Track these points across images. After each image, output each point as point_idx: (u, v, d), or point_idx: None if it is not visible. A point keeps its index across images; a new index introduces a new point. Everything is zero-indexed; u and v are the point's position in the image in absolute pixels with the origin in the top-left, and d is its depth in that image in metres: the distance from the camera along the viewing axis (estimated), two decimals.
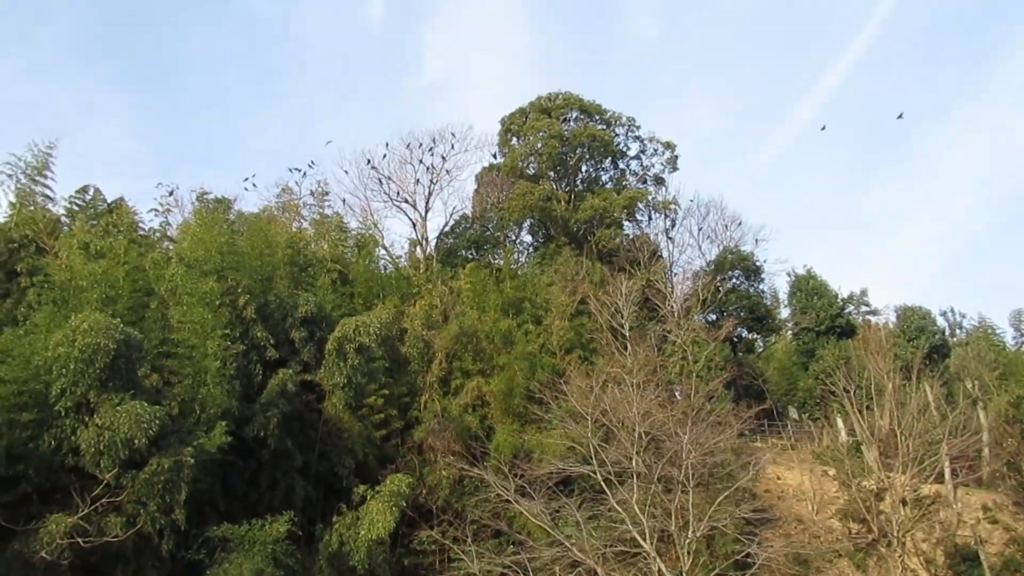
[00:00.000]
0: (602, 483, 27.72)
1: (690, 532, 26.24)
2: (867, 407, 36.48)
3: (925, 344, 42.02)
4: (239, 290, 30.99)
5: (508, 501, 30.81)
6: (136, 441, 22.05)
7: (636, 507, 26.75)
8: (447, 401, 35.57)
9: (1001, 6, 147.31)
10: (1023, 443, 32.73)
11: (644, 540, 26.29)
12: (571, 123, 53.69)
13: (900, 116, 54.63)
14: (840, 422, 44.49)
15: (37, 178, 40.19)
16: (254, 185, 51.87)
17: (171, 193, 45.55)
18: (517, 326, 38.53)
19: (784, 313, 53.79)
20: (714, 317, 46.81)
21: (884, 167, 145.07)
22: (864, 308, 54.91)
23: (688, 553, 25.84)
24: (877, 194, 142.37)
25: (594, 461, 28.09)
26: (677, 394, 35.99)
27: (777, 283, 54.08)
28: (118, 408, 22.44)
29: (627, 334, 37.11)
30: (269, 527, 24.07)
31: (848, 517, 34.19)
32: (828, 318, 48.15)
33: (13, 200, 39.12)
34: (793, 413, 50.33)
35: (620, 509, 26.97)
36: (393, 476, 27.37)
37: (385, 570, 27.42)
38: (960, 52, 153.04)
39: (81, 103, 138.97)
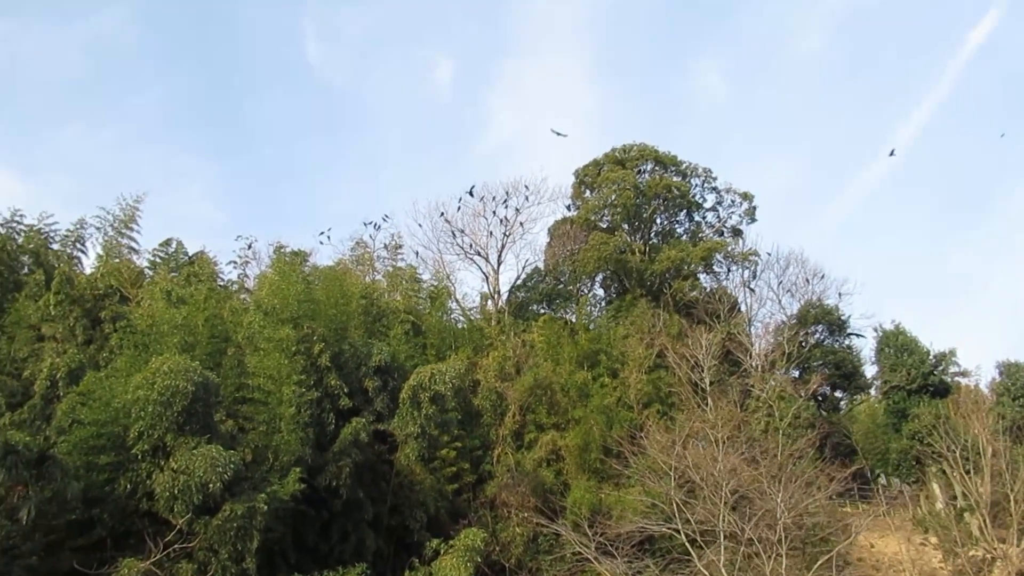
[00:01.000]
0: (687, 544, 26.15)
1: None
2: (968, 471, 33.97)
3: None
4: (314, 338, 30.88)
5: (586, 560, 29.49)
6: (211, 486, 21.74)
7: (724, 571, 25.08)
8: (521, 455, 34.58)
9: None
10: None
11: None
12: (646, 175, 53.16)
13: (1003, 135, 52.28)
14: (936, 488, 41.65)
15: (124, 231, 41.78)
16: (328, 239, 52.31)
17: (250, 247, 46.62)
18: (593, 379, 37.49)
19: (869, 371, 51.42)
20: (797, 373, 44.81)
21: (964, 225, 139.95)
22: (954, 369, 51.97)
23: None
24: (960, 251, 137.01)
25: (677, 520, 26.58)
26: (761, 452, 34.10)
27: (860, 341, 51.40)
28: (194, 452, 22.27)
29: (707, 388, 35.67)
30: None
31: None
32: (920, 376, 45.50)
33: (101, 252, 40.60)
34: (883, 480, 47.56)
35: (706, 572, 25.32)
36: (467, 531, 26.41)
37: None
38: None
39: (166, 170, 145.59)
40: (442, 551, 26.00)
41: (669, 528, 27.30)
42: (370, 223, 52.43)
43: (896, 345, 48.12)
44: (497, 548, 30.42)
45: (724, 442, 28.98)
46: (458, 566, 24.61)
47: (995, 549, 29.85)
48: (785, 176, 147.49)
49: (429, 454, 31.80)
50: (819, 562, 25.80)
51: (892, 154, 44.23)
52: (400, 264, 48.71)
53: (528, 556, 30.85)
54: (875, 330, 50.77)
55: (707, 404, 34.64)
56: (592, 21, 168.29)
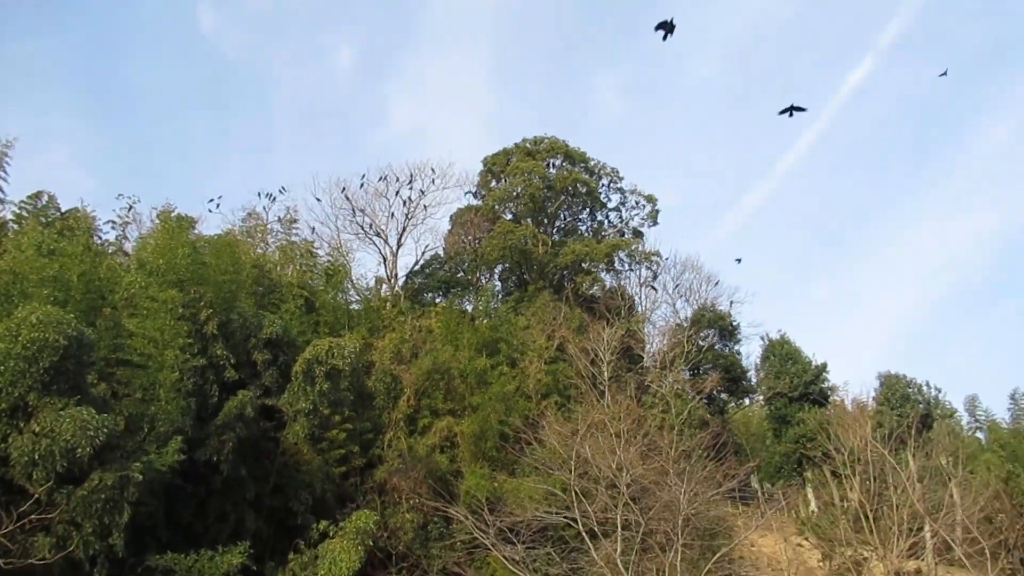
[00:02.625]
0: (584, 534, 25.70)
1: None
2: (846, 476, 35.23)
3: (911, 413, 41.19)
4: (201, 303, 28.69)
5: (478, 548, 28.71)
6: (79, 451, 19.54)
7: (619, 561, 24.77)
8: (414, 440, 33.37)
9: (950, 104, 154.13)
10: (1016, 520, 31.76)
11: None
12: (554, 168, 52.90)
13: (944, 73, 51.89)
14: (810, 492, 43.26)
15: None
16: (218, 207, 49.36)
17: (131, 208, 43.31)
18: (492, 367, 36.67)
19: (754, 378, 52.94)
20: (688, 375, 45.62)
21: (837, 250, 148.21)
22: (825, 381, 54.40)
23: None
24: (836, 272, 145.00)
25: (576, 510, 26.10)
26: (656, 447, 34.23)
27: (747, 348, 53.25)
28: (61, 413, 19.99)
29: (606, 382, 35.56)
30: (221, 558, 21.55)
31: None
32: (802, 384, 47.32)
33: None
34: (754, 482, 49.00)
35: (602, 562, 24.95)
36: (358, 513, 25.06)
37: None
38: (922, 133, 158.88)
39: (30, 128, 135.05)
40: (332, 533, 24.48)
41: (567, 517, 26.81)
42: (265, 194, 49.90)
43: (780, 354, 49.79)
44: (386, 534, 29.06)
45: (622, 435, 28.74)
46: (348, 549, 23.20)
47: (872, 550, 30.90)
48: (674, 192, 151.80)
49: (318, 434, 30.21)
50: (715, 556, 25.88)
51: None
52: (295, 239, 46.44)
53: (418, 543, 29.66)
54: (762, 339, 52.55)
55: (605, 398, 34.49)
56: (496, 27, 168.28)
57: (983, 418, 64.03)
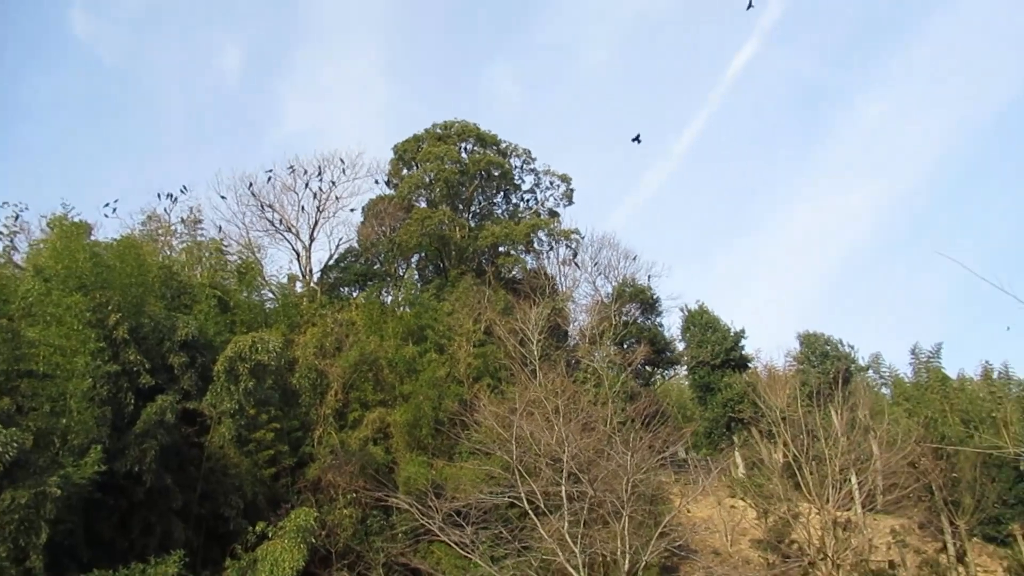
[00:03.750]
0: (530, 512, 25.40)
1: (626, 563, 24.29)
2: (774, 435, 36.17)
3: (832, 369, 42.59)
4: (109, 308, 26.97)
5: (419, 538, 28.10)
6: None
7: (567, 534, 24.60)
8: (345, 435, 32.36)
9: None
10: (936, 463, 33.22)
11: (578, 573, 24.11)
12: (466, 153, 52.21)
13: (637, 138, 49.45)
14: (738, 455, 44.24)
15: None
16: (114, 211, 46.43)
17: (17, 217, 40.42)
18: (420, 354, 35.88)
19: (678, 349, 53.80)
20: (613, 350, 45.79)
21: (739, 225, 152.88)
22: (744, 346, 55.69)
23: None
24: (742, 243, 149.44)
25: (520, 490, 25.76)
26: (592, 421, 34.25)
27: (668, 320, 54.05)
28: None
29: (536, 361, 35.33)
30: (153, 570, 20.18)
31: (767, 547, 33.34)
32: (723, 352, 48.34)
33: None
34: (682, 452, 49.83)
35: (550, 539, 24.70)
36: (297, 511, 24.01)
37: None
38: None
39: None
40: (270, 535, 23.37)
41: (512, 496, 26.46)
42: (166, 195, 47.44)
43: (700, 323, 50.67)
44: (324, 532, 28.05)
45: (560, 411, 28.57)
46: (290, 548, 22.20)
47: (798, 508, 31.78)
48: (577, 175, 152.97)
49: (245, 435, 28.98)
50: (663, 522, 26.03)
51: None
52: (201, 239, 44.32)
53: (358, 538, 28.79)
54: (681, 310, 53.37)
55: (537, 377, 34.27)
56: (385, 21, 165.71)
57: (887, 374, 66.81)
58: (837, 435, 31.43)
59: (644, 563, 24.84)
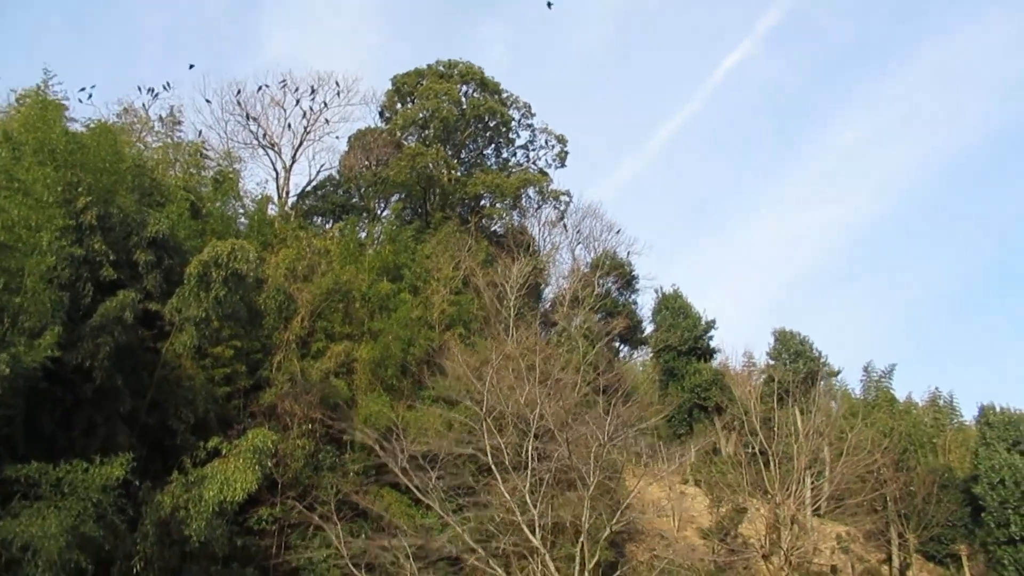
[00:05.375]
0: (493, 466, 24.64)
1: (585, 532, 23.71)
2: (736, 428, 36.00)
3: (803, 368, 42.65)
4: (79, 188, 25.26)
5: (370, 480, 27.22)
6: None
7: (528, 496, 23.91)
8: (306, 364, 31.07)
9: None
10: (895, 474, 33.41)
11: (534, 534, 23.48)
12: (465, 96, 50.45)
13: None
14: (690, 444, 44.13)
15: None
16: (90, 96, 43.45)
17: None
18: (394, 293, 34.64)
19: (648, 329, 53.46)
20: (593, 318, 45.06)
21: (717, 220, 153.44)
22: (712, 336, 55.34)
23: (582, 554, 23.31)
24: (719, 236, 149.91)
25: (486, 444, 24.95)
26: (562, 386, 33.56)
27: (642, 299, 53.47)
28: None
29: (511, 318, 34.44)
30: (96, 471, 18.86)
31: (714, 536, 33.26)
32: (692, 338, 48.15)
33: None
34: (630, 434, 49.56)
35: (510, 497, 24.01)
36: (255, 430, 22.78)
37: (223, 545, 22.64)
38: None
39: None
40: (223, 451, 22.15)
41: (475, 449, 25.66)
42: (149, 89, 44.90)
43: (673, 307, 50.35)
44: (273, 461, 26.89)
45: (534, 368, 27.76)
46: (243, 469, 20.98)
47: (757, 498, 31.69)
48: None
49: (204, 348, 27.57)
50: (627, 497, 25.52)
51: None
52: (179, 140, 42.11)
53: (307, 471, 27.71)
54: (655, 291, 52.95)
55: (510, 333, 33.42)
56: None
57: (837, 387, 67.58)
58: (800, 434, 31.32)
59: (607, 533, 24.35)
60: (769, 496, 30.43)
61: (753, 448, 32.79)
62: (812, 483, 32.82)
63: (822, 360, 46.87)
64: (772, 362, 47.74)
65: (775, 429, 33.10)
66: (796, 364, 44.49)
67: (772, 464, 32.37)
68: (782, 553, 29.56)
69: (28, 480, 18.65)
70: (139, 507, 21.87)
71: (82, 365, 22.47)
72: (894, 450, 36.11)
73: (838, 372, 49.06)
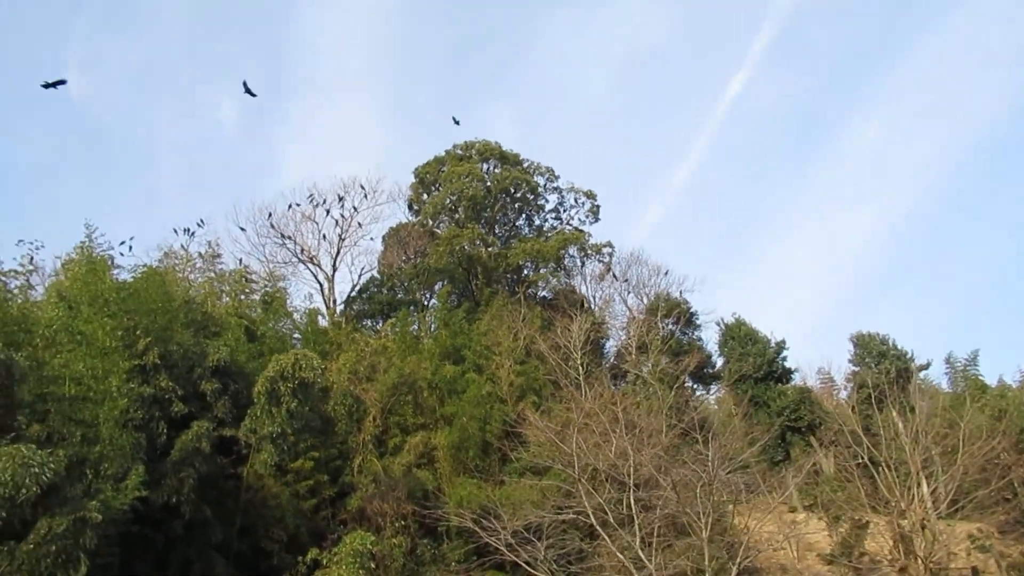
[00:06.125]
0: (599, 528, 23.56)
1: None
2: (834, 443, 34.34)
3: (891, 369, 40.75)
4: (137, 332, 25.52)
5: (473, 565, 26.31)
6: (22, 493, 16.25)
7: (640, 550, 22.75)
8: (386, 461, 30.57)
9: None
10: (1019, 457, 31.35)
11: None
12: (487, 173, 51.00)
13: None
14: (791, 469, 42.18)
15: None
16: (130, 248, 44.66)
17: (32, 258, 38.99)
18: (460, 375, 34.21)
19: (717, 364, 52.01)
20: (663, 360, 43.97)
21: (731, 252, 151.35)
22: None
23: None
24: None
25: (587, 505, 23.96)
26: (648, 435, 32.46)
27: (704, 335, 52.04)
28: None
29: (581, 376, 33.68)
30: None
31: (837, 559, 31.30)
32: (765, 363, 46.64)
33: None
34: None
35: (622, 555, 22.86)
36: (352, 534, 22.23)
37: None
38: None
39: None
40: (324, 561, 21.52)
41: (576, 512, 24.64)
42: (185, 230, 46.01)
43: (739, 336, 49.01)
44: (372, 565, 26.16)
45: (619, 421, 26.87)
46: (349, 574, 20.32)
47: (877, 511, 29.89)
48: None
49: (284, 465, 27.27)
50: (745, 537, 24.16)
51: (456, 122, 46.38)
52: (222, 270, 42.90)
53: (408, 570, 26.84)
54: (717, 324, 51.69)
55: (583, 391, 32.62)
56: (379, 64, 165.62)
57: (921, 385, 64.56)
58: (909, 435, 29.64)
59: (734, 573, 22.98)
60: (891, 505, 28.64)
61: (861, 459, 31.05)
62: (932, 484, 30.83)
63: (909, 356, 44.96)
64: (856, 368, 45.98)
65: (883, 434, 31.44)
66: (883, 365, 42.59)
67: (885, 472, 30.63)
68: (919, 562, 27.67)
69: None
70: None
71: (168, 502, 22.27)
72: (1012, 432, 33.97)
73: (928, 365, 46.92)
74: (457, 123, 47.20)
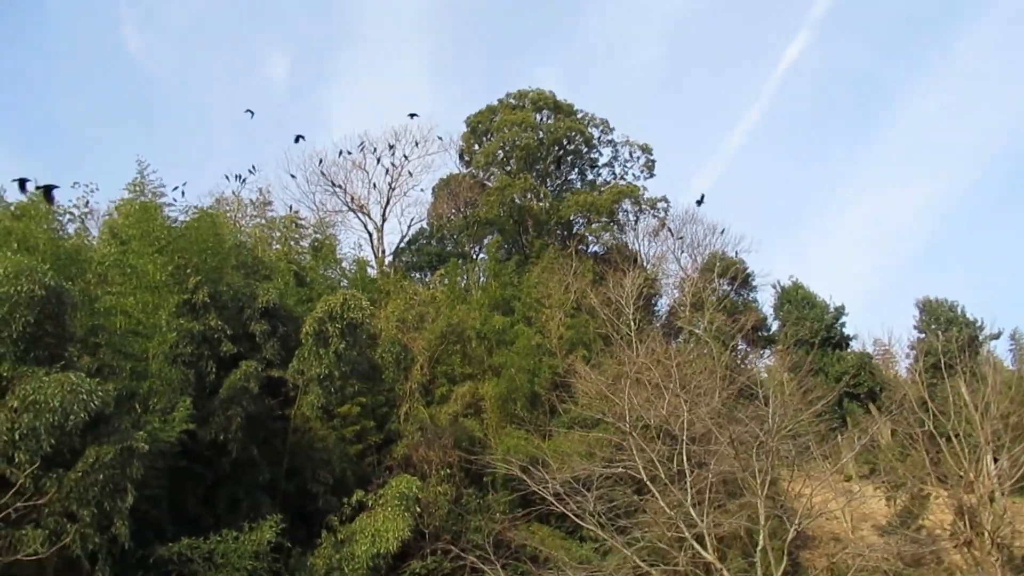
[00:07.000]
0: (648, 482, 22.91)
1: (762, 540, 21.66)
2: (893, 412, 33.02)
3: (960, 336, 38.95)
4: (188, 270, 25.41)
5: (518, 517, 25.92)
6: (70, 420, 16.12)
7: (692, 510, 22.04)
8: (433, 410, 30.27)
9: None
10: None
11: (706, 549, 21.58)
12: (543, 121, 49.84)
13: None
14: (851, 437, 40.92)
15: None
16: (183, 194, 44.65)
17: (88, 202, 39.33)
18: (509, 326, 33.69)
19: (773, 327, 50.58)
20: (720, 317, 42.76)
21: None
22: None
23: (765, 565, 21.24)
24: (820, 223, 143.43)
25: (637, 460, 23.29)
26: (701, 392, 31.59)
27: (760, 297, 50.59)
28: (44, 380, 16.57)
29: (633, 331, 32.85)
30: (247, 537, 18.23)
31: (896, 529, 30.20)
32: (823, 328, 45.15)
33: None
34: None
35: (672, 512, 22.21)
36: (399, 478, 21.94)
37: None
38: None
39: None
40: (371, 503, 21.30)
41: (626, 467, 24.01)
42: (236, 176, 45.98)
43: (796, 300, 47.59)
44: (417, 510, 25.93)
45: (673, 376, 26.02)
46: (393, 518, 20.14)
47: (939, 484, 28.71)
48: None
49: (332, 408, 27.13)
50: (802, 502, 23.31)
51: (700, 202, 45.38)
52: (272, 217, 42.84)
53: (452, 518, 26.60)
54: (773, 287, 50.22)
55: (634, 347, 31.81)
56: (429, 20, 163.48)
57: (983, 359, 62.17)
58: (973, 409, 28.26)
59: (791, 536, 22.26)
60: (959, 478, 27.40)
61: (929, 428, 29.74)
62: (1000, 458, 29.43)
63: (979, 325, 42.98)
64: (922, 335, 44.14)
65: (950, 403, 30.06)
66: (951, 332, 40.69)
67: (952, 441, 29.30)
68: (986, 536, 26.49)
69: (180, 557, 18.22)
70: (293, 573, 21.23)
71: (216, 440, 22.18)
72: None
73: (999, 335, 44.77)
74: (413, 116, 48.42)
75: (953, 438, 29.36)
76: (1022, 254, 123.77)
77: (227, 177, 46.92)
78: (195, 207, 34.63)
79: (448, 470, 27.32)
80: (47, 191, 26.98)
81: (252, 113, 47.71)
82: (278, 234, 39.36)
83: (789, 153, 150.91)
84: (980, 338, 41.95)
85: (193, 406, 21.49)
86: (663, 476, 23.02)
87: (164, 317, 21.78)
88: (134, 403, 21.22)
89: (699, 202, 48.49)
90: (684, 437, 23.74)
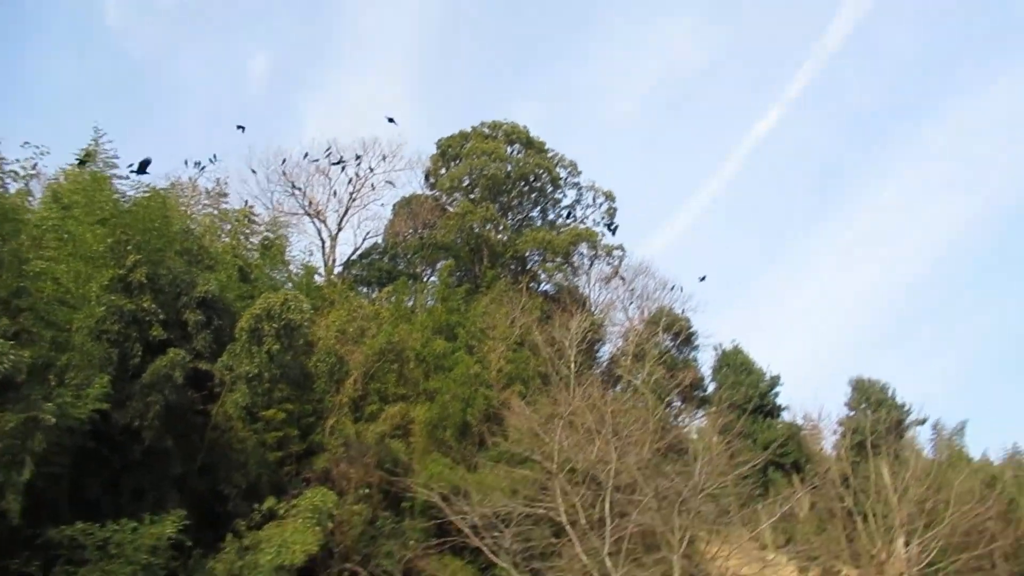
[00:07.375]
0: (568, 526, 22.58)
1: None
2: (815, 486, 33.39)
3: (887, 418, 39.73)
4: (128, 246, 24.50)
5: (432, 547, 25.28)
6: None
7: (608, 560, 21.78)
8: (360, 427, 29.51)
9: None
10: (1005, 527, 30.44)
11: None
12: (513, 155, 49.95)
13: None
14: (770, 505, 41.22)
15: None
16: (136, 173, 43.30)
17: (35, 164, 37.93)
18: (451, 352, 33.22)
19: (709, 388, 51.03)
20: (659, 371, 42.95)
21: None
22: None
23: None
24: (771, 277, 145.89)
25: (559, 503, 22.98)
26: (631, 443, 31.47)
27: (700, 358, 51.05)
28: None
29: (572, 374, 32.68)
30: (146, 530, 17.31)
31: None
32: (757, 395, 45.75)
33: None
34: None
35: (588, 559, 21.90)
36: (315, 489, 21.21)
37: None
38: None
39: None
40: (280, 512, 20.50)
41: (546, 509, 23.64)
42: (195, 163, 44.84)
43: (735, 364, 48.17)
44: (330, 525, 25.10)
45: (606, 424, 25.91)
46: (303, 530, 19.39)
47: (851, 561, 28.96)
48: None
49: (256, 411, 26.23)
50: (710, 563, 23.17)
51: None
52: (226, 208, 41.78)
53: (364, 541, 25.78)
54: (715, 348, 50.80)
55: (571, 389, 31.61)
56: (419, 40, 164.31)
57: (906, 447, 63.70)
58: (897, 488, 28.72)
59: None
60: (871, 557, 27.68)
61: (848, 505, 30.09)
62: (913, 540, 29.85)
63: (906, 409, 44.05)
64: (851, 413, 45.03)
65: (871, 483, 30.50)
66: (880, 413, 41.57)
67: (868, 520, 29.68)
68: None
69: (72, 543, 17.17)
70: None
71: (131, 425, 21.28)
72: (1001, 501, 33.09)
73: (924, 421, 45.96)
74: (392, 121, 46.85)
75: (870, 517, 29.81)
76: (956, 346, 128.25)
77: (186, 163, 45.74)
78: (147, 186, 33.92)
79: (367, 490, 26.56)
80: None
81: (243, 128, 46.95)
82: (229, 227, 38.32)
83: (747, 223, 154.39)
84: (906, 422, 42.87)
85: (112, 387, 20.48)
86: (583, 522, 22.76)
87: (95, 290, 20.87)
88: (49, 374, 20.14)
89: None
90: (610, 484, 23.59)
